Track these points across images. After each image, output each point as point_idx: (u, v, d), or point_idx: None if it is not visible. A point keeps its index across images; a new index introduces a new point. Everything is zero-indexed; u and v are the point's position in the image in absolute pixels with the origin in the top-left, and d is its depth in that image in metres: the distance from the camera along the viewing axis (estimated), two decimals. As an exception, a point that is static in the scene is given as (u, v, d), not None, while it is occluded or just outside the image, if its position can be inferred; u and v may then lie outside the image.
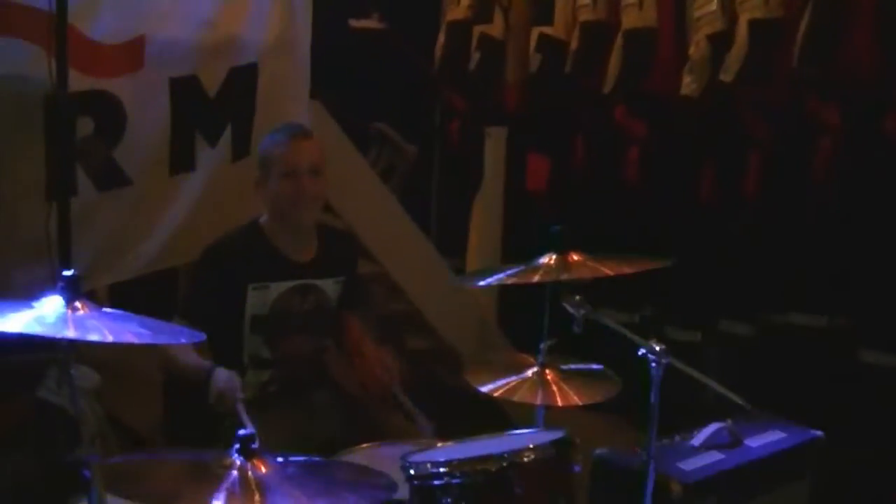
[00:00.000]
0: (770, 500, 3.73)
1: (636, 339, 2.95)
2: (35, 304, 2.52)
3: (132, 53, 4.15)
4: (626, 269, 3.23)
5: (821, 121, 5.18)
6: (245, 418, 3.10)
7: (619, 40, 5.83)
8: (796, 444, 3.83)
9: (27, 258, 3.97)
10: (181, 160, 4.42)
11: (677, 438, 3.72)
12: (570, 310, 3.09)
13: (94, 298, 2.62)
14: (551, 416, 3.47)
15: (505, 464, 2.71)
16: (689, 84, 5.51)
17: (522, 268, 3.29)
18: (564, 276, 3.14)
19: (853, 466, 4.65)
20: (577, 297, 3.07)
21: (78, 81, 3.89)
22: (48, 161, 3.94)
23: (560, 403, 3.34)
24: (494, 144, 5.60)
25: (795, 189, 5.36)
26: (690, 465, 3.55)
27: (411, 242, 5.61)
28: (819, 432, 3.87)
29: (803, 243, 5.41)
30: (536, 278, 3.19)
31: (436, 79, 6.66)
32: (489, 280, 3.30)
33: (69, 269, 3.83)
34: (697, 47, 5.45)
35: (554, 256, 3.26)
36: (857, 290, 5.24)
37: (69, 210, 3.90)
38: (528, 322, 5.96)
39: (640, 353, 2.97)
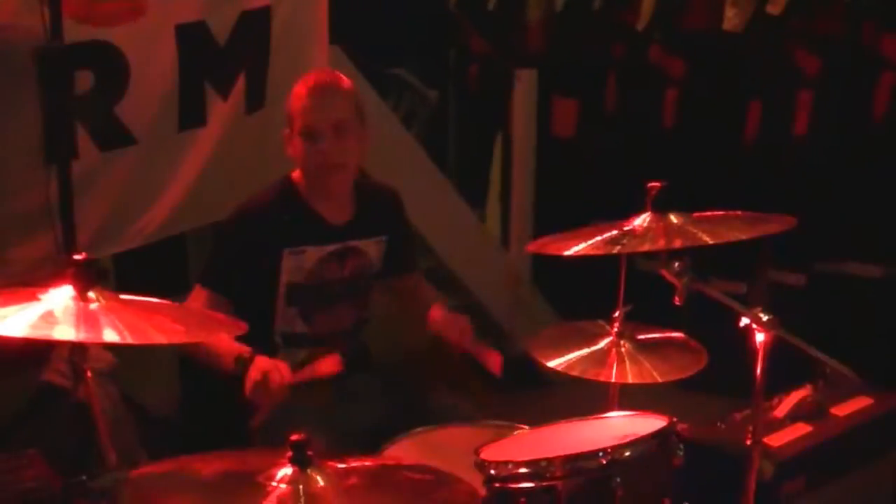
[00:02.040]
0: (862, 474, 3.47)
1: (740, 308, 2.59)
2: (42, 296, 2.14)
3: (134, -2, 3.85)
4: (742, 236, 2.85)
5: (880, 54, 4.90)
6: None
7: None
8: (886, 412, 3.56)
9: (26, 228, 3.69)
10: (190, 115, 4.10)
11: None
12: (671, 278, 2.69)
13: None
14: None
15: (604, 462, 2.34)
16: (731, 18, 5.22)
17: (616, 231, 2.88)
18: (674, 244, 2.73)
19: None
20: (678, 264, 2.68)
21: (74, 31, 3.60)
22: (45, 120, 3.65)
23: (640, 380, 2.96)
24: (524, 88, 5.26)
25: (851, 130, 5.08)
26: (778, 440, 3.28)
27: (438, 193, 5.31)
28: (908, 398, 3.58)
29: (858, 188, 5.09)
30: (646, 247, 2.79)
31: (454, 20, 6.28)
32: (578, 248, 2.86)
33: (74, 241, 3.68)
34: (741, -23, 5.14)
35: (649, 217, 2.86)
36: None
37: (70, 173, 3.63)
38: (567, 280, 5.73)
39: (742, 322, 2.59)
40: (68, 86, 3.66)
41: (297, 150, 3.34)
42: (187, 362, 3.60)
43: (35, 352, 3.83)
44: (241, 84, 4.21)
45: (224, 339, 3.09)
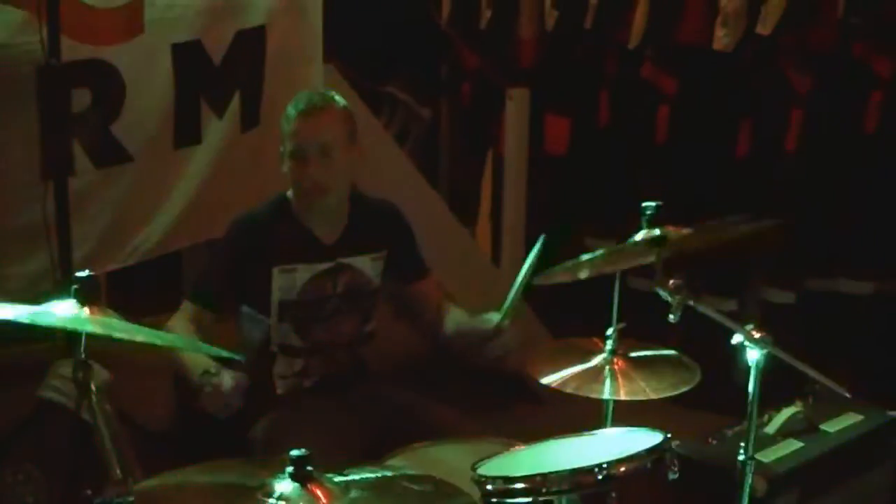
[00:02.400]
0: (853, 488, 3.50)
1: (733, 324, 2.61)
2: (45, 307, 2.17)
3: (130, 18, 3.85)
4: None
5: (871, 73, 4.93)
6: None
7: (645, -10, 5.50)
8: (875, 428, 3.60)
9: (23, 245, 3.69)
10: (186, 133, 4.11)
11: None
12: (665, 295, 2.72)
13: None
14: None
15: (600, 477, 2.36)
16: (721, 38, 5.21)
17: (620, 247, 2.91)
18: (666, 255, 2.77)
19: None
20: (673, 282, 2.70)
21: (72, 50, 3.63)
22: (42, 137, 3.65)
23: (633, 396, 2.98)
24: (517, 107, 5.26)
25: (841, 146, 5.09)
26: (770, 455, 3.30)
27: (430, 209, 5.26)
28: (896, 414, 3.60)
29: (849, 204, 5.11)
30: (643, 261, 2.85)
31: (446, 37, 6.28)
32: (585, 271, 2.89)
33: (70, 258, 3.69)
34: (731, -3, 5.14)
35: (644, 233, 2.89)
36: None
37: (67, 190, 3.65)
38: (558, 298, 5.72)
39: (734, 340, 2.62)
40: (66, 104, 3.67)
41: (288, 168, 3.36)
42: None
43: (32, 367, 3.86)
44: (236, 102, 4.22)
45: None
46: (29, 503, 3.30)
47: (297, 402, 3.32)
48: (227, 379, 3.04)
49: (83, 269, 2.22)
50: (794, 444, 3.38)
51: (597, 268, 2.94)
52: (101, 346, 2.25)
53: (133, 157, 3.93)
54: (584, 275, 3.01)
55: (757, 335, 2.60)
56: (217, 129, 4.18)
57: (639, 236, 2.89)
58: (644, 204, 2.86)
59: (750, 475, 2.77)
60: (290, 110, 3.36)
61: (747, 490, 2.80)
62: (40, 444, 3.75)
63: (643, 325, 3.20)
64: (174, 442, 4.13)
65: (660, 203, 2.86)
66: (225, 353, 2.25)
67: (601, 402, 3.12)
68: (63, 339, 3.87)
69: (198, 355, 3.15)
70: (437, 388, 3.75)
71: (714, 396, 3.51)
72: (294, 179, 3.35)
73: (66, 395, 3.74)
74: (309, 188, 3.33)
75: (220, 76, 4.16)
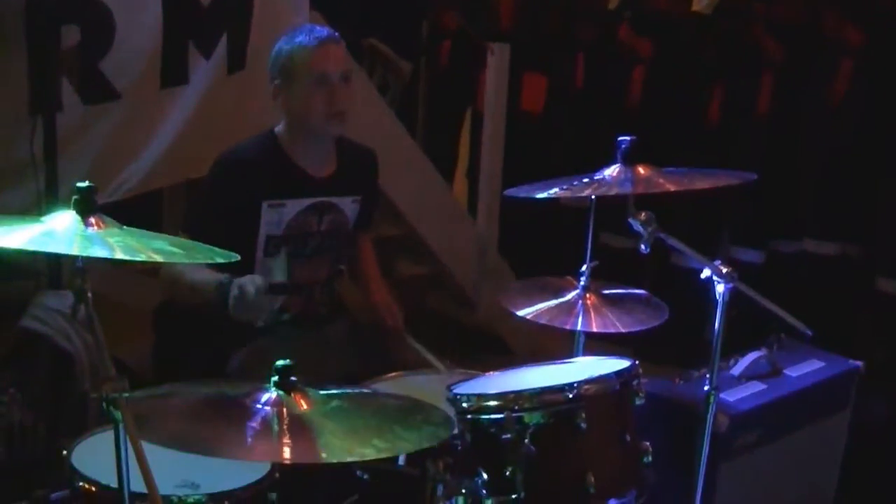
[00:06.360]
0: (811, 431, 3.59)
1: (701, 259, 2.71)
2: (44, 219, 2.20)
3: (121, -45, 3.88)
4: (703, 185, 2.96)
5: (841, 40, 5.01)
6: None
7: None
8: (836, 375, 3.68)
9: (10, 179, 3.76)
10: (173, 73, 4.16)
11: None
12: (637, 228, 2.81)
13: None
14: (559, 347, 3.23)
15: (570, 395, 2.46)
16: (701, 0, 5.27)
17: (587, 179, 2.99)
18: (640, 190, 2.84)
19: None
20: (644, 214, 2.80)
21: (62, -13, 3.67)
22: (31, 73, 3.71)
23: (604, 330, 3.08)
24: (497, 62, 5.32)
25: (810, 112, 5.18)
26: (733, 395, 3.37)
27: (411, 161, 5.36)
28: (858, 363, 3.71)
29: (817, 167, 5.22)
30: (614, 191, 2.88)
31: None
32: (549, 192, 2.96)
33: (56, 192, 3.73)
34: (711, -39, 5.22)
35: (618, 168, 2.98)
36: (871, 216, 5.07)
37: (55, 126, 3.71)
38: (531, 249, 5.82)
39: (703, 276, 2.72)
40: (55, 40, 3.70)
41: (299, 99, 3.37)
42: (162, 314, 3.69)
43: (15, 297, 3.93)
44: (223, 45, 4.26)
45: (202, 271, 3.19)
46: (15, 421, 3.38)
47: (274, 335, 3.38)
48: (246, 282, 3.06)
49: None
50: (758, 386, 3.45)
51: (570, 191, 3.00)
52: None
53: (120, 95, 3.97)
54: (555, 193, 3.03)
55: (724, 269, 2.69)
56: (204, 71, 4.22)
57: (613, 167, 2.98)
58: (620, 138, 2.95)
59: (712, 408, 2.86)
60: (306, 39, 3.37)
61: (710, 423, 2.89)
62: (22, 372, 3.83)
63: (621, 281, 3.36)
64: (154, 378, 4.19)
65: (635, 138, 2.95)
66: (219, 255, 2.28)
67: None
68: (46, 277, 3.95)
69: (205, 277, 3.19)
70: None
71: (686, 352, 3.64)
72: (314, 106, 3.36)
73: (48, 324, 3.82)
74: (334, 113, 3.37)
75: (208, 18, 4.20)
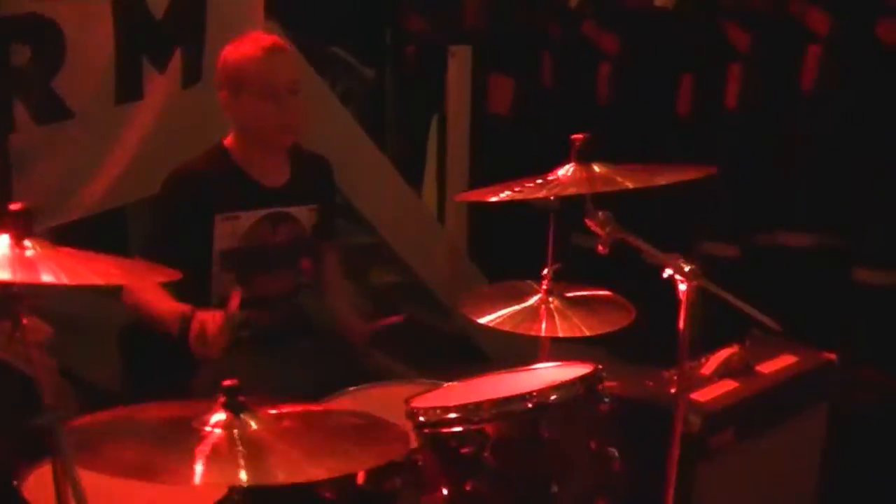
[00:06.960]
0: (788, 427, 3.53)
1: (663, 257, 2.64)
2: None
3: (70, -29, 3.82)
4: (662, 181, 2.88)
5: (808, 28, 4.94)
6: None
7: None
8: (810, 369, 3.64)
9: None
10: (127, 88, 4.09)
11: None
12: (595, 227, 2.75)
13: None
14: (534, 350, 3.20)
15: (530, 405, 2.40)
16: (662, -6, 5.23)
17: (540, 180, 2.92)
18: (596, 189, 2.77)
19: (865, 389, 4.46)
20: (602, 214, 2.74)
21: (10, 4, 3.60)
22: None
23: (570, 334, 3.02)
24: (458, 65, 5.28)
25: (780, 101, 5.12)
26: (705, 395, 3.33)
27: (377, 170, 5.29)
28: (832, 355, 3.66)
29: (790, 158, 5.17)
30: (570, 191, 2.83)
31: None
32: (502, 195, 2.89)
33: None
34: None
35: (573, 167, 2.91)
36: (847, 206, 5.02)
37: (7, 147, 3.65)
38: (501, 253, 5.76)
39: (665, 274, 2.65)
40: (5, 59, 3.64)
41: (247, 110, 3.33)
42: (126, 332, 3.63)
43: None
44: (177, 58, 4.20)
45: (166, 302, 3.14)
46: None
47: (233, 353, 3.32)
48: (207, 320, 3.03)
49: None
50: (730, 385, 3.41)
51: (525, 192, 2.93)
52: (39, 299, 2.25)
53: (74, 113, 3.91)
54: (508, 196, 2.96)
55: (686, 267, 2.62)
56: (158, 85, 4.16)
57: (568, 167, 2.91)
58: (573, 136, 2.89)
59: (682, 410, 2.81)
60: (251, 48, 3.32)
61: (679, 424, 2.84)
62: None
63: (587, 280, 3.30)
64: (124, 400, 4.13)
65: (589, 135, 2.89)
66: (161, 276, 2.23)
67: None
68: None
69: (168, 307, 3.16)
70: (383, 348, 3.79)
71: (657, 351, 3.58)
72: (261, 118, 3.32)
73: (5, 349, 3.75)
74: (281, 125, 3.33)
75: (161, 32, 4.13)
